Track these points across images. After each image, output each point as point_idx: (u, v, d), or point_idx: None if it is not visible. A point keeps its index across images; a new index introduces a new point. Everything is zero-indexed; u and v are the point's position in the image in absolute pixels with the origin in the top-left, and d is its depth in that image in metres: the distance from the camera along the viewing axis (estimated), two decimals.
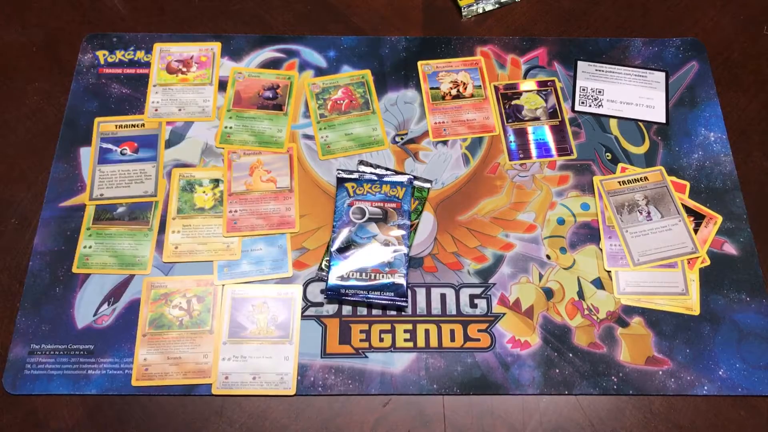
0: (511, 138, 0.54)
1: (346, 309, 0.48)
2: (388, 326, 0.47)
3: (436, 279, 0.49)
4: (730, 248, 0.50)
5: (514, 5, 0.62)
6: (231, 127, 0.54)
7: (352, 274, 0.46)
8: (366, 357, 0.46)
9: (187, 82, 0.56)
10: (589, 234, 0.50)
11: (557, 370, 0.46)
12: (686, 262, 0.49)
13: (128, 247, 0.49)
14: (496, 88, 0.56)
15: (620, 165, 0.53)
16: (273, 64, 0.57)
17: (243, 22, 0.60)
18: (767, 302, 0.48)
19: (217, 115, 0.55)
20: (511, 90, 0.56)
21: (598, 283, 0.48)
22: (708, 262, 0.49)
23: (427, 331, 0.47)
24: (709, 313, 0.48)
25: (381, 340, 0.46)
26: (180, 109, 0.55)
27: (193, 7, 0.61)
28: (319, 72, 0.57)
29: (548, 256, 0.49)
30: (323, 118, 0.55)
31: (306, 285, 0.48)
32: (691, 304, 0.48)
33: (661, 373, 0.46)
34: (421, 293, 0.48)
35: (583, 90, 0.56)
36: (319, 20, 0.60)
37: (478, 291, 0.48)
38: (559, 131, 0.55)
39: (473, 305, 0.48)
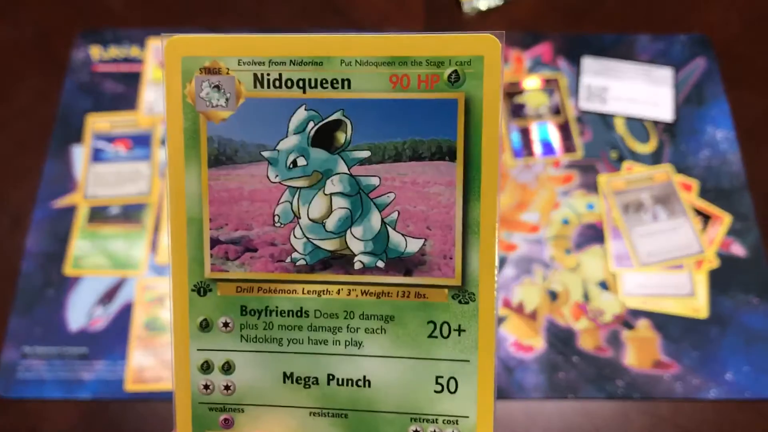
0: (515, 136, 0.53)
1: None
2: None
3: None
4: (738, 249, 0.49)
5: (517, 0, 0.60)
6: None
7: None
8: None
9: None
10: (594, 234, 0.49)
11: (562, 375, 0.45)
12: (693, 264, 0.48)
13: (122, 247, 0.48)
14: None
15: (626, 164, 0.52)
16: None
17: (238, 15, 0.59)
18: None
19: None
20: (514, 87, 0.55)
21: (603, 285, 0.48)
22: (715, 264, 0.48)
23: None
24: (717, 315, 0.47)
25: None
26: None
27: (189, 1, 0.60)
28: None
29: (552, 258, 0.48)
30: None
31: None
32: (698, 306, 0.47)
33: (667, 376, 0.45)
34: None
35: (589, 87, 0.55)
36: (318, 15, 0.59)
37: None
38: (563, 129, 0.54)
39: None
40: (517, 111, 0.54)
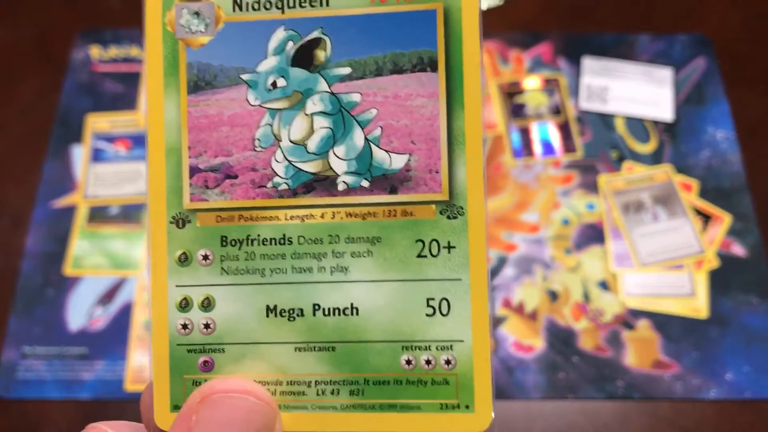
0: (515, 136, 0.53)
1: None
2: None
3: None
4: (738, 249, 0.49)
5: (517, 0, 0.60)
6: None
7: None
8: None
9: None
10: (594, 234, 0.49)
11: (562, 375, 0.45)
12: (693, 264, 0.48)
13: (122, 248, 0.48)
14: (500, 86, 0.55)
15: (626, 164, 0.52)
16: None
17: None
18: None
19: None
20: (514, 87, 0.55)
21: (603, 285, 0.47)
22: (716, 264, 0.48)
23: None
24: (717, 315, 0.47)
25: None
26: None
27: None
28: None
29: (552, 257, 0.48)
30: None
31: None
32: (698, 306, 0.47)
33: (667, 377, 0.45)
34: None
35: (589, 87, 0.55)
36: None
37: None
38: (563, 129, 0.54)
39: None
40: (517, 111, 0.54)
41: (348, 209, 0.13)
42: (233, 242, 0.13)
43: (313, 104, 0.13)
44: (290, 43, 0.13)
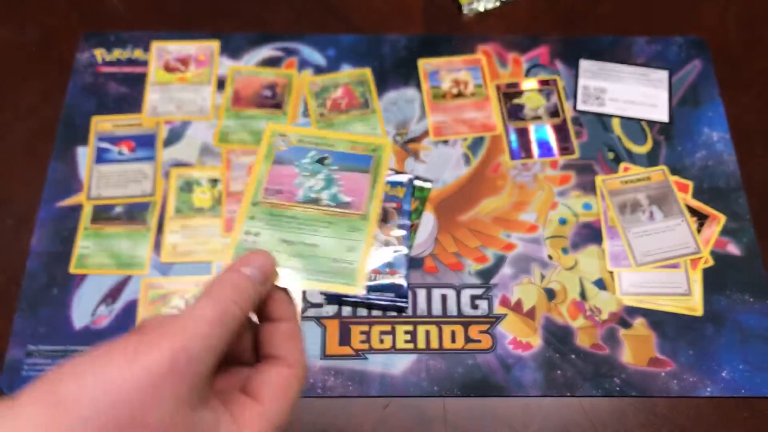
0: (513, 137, 0.54)
1: (346, 310, 0.47)
2: (388, 327, 0.46)
3: (437, 280, 0.48)
4: (733, 248, 0.50)
5: (515, 3, 0.61)
6: (230, 126, 0.53)
7: None
8: (366, 359, 0.45)
9: (186, 81, 0.55)
10: (591, 234, 0.50)
11: (559, 372, 0.45)
12: (689, 263, 0.49)
13: (126, 247, 0.49)
14: (498, 87, 0.56)
15: (623, 164, 0.52)
16: (272, 62, 0.57)
17: (242, 20, 0.60)
18: None
19: (215, 114, 0.54)
20: (512, 89, 0.56)
21: (600, 284, 0.48)
22: (711, 263, 0.49)
23: (427, 333, 0.46)
24: (713, 314, 0.47)
25: (381, 341, 0.46)
26: (178, 108, 0.54)
27: (192, 5, 0.60)
28: (319, 71, 0.56)
29: (550, 257, 0.49)
30: (323, 117, 0.54)
31: None
32: (694, 305, 0.48)
33: (663, 374, 0.45)
34: (421, 294, 0.48)
35: (586, 89, 0.56)
36: (319, 19, 0.60)
37: (479, 292, 0.48)
38: (560, 130, 0.54)
39: (474, 306, 0.47)
40: (515, 112, 0.55)
41: (323, 211, 0.32)
42: (275, 215, 0.32)
43: (320, 176, 0.33)
44: (316, 155, 0.33)
